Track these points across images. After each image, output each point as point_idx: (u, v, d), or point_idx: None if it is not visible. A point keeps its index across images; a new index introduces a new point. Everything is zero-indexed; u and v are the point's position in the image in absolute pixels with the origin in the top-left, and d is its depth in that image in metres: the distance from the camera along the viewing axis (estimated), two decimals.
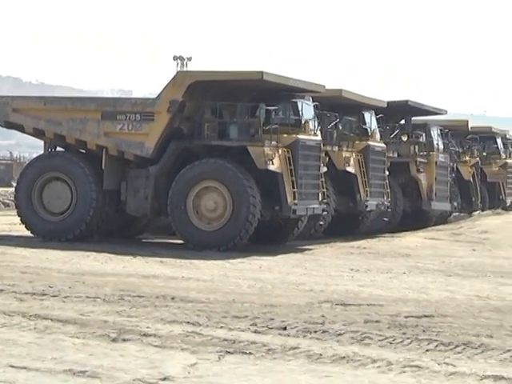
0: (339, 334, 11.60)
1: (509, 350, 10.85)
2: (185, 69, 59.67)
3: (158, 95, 24.73)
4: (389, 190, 30.50)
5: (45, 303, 13.60)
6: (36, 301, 13.78)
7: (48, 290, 14.89)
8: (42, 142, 26.70)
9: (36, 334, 11.17)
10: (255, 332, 11.66)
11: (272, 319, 12.54)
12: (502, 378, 9.40)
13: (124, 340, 10.91)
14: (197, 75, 25.24)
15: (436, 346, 11.06)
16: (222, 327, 11.91)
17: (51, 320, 12.12)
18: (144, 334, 11.25)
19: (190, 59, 70.07)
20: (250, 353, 10.36)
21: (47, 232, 24.78)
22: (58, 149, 26.17)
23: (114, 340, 10.91)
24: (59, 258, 20.28)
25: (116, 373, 9.13)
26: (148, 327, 11.73)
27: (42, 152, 26.82)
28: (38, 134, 26.21)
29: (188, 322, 12.19)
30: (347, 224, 28.60)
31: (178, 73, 27.44)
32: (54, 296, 14.29)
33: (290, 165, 23.91)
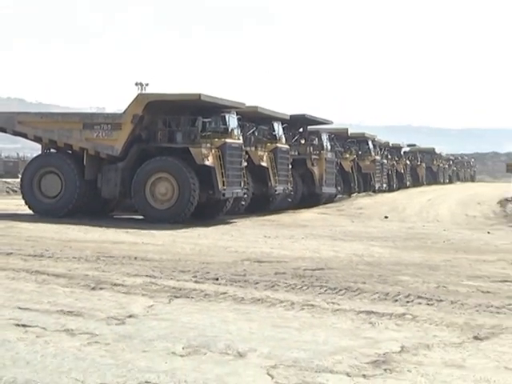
0: (256, 283, 11.64)
1: (377, 293, 10.98)
2: (144, 91, 58.91)
3: (124, 111, 24.62)
4: (291, 179, 30.68)
5: (43, 262, 13.48)
6: (36, 261, 13.66)
7: (45, 252, 14.76)
8: (39, 146, 26.46)
9: (36, 285, 11.09)
10: (195, 282, 11.65)
11: (208, 272, 12.55)
12: (372, 312, 9.52)
13: (100, 288, 10.86)
14: (152, 96, 25.19)
15: (325, 290, 11.14)
16: (171, 279, 11.89)
17: (47, 274, 12.02)
18: (115, 284, 11.21)
19: (147, 85, 69.22)
20: (192, 297, 10.37)
21: (44, 211, 24.61)
22: (52, 150, 25.97)
23: (93, 288, 10.85)
24: (53, 229, 20.10)
25: (95, 312, 9.11)
26: (117, 279, 11.68)
27: (39, 153, 26.60)
28: (37, 139, 25.97)
29: (147, 275, 12.15)
30: (261, 203, 28.66)
31: (138, 94, 27.20)
32: (49, 257, 14.16)
33: (220, 161, 23.95)
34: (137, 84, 71.49)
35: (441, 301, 10.52)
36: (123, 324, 8.56)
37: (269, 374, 6.73)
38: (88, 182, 24.70)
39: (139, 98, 25.22)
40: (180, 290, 10.89)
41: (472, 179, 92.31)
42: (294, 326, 8.70)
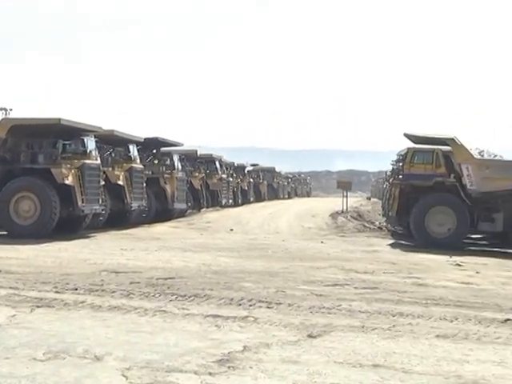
0: (113, 292, 11.53)
1: (223, 298, 11.07)
2: (8, 116, 57.29)
3: None
4: (146, 196, 30.46)
5: None
6: None
7: None
8: None
9: None
10: (56, 292, 11.44)
11: (68, 283, 12.33)
12: (218, 315, 9.60)
13: None
14: (15, 121, 24.53)
15: (176, 297, 11.15)
16: (33, 290, 11.63)
17: None
18: None
19: (11, 110, 67.28)
20: (53, 306, 10.18)
21: None
22: None
23: None
24: None
25: None
26: None
27: None
28: None
29: (10, 287, 11.82)
30: (119, 219, 28.31)
31: (2, 119, 26.45)
32: None
33: (79, 180, 23.59)
34: (1, 109, 69.98)
35: (279, 304, 10.71)
36: None
37: (123, 375, 6.70)
38: None
39: (2, 122, 24.53)
40: (41, 300, 10.66)
41: (308, 195, 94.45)
42: (147, 330, 8.68)
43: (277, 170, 72.86)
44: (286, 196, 74.18)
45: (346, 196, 38.05)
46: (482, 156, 24.34)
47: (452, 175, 24.07)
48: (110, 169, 27.52)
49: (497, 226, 23.56)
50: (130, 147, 29.84)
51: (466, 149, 23.78)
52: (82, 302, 10.48)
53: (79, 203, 23.43)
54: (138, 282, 12.66)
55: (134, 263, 16.02)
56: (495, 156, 25.23)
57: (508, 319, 10.05)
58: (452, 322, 9.80)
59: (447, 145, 24.14)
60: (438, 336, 8.81)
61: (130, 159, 29.51)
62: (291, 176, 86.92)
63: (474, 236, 25.68)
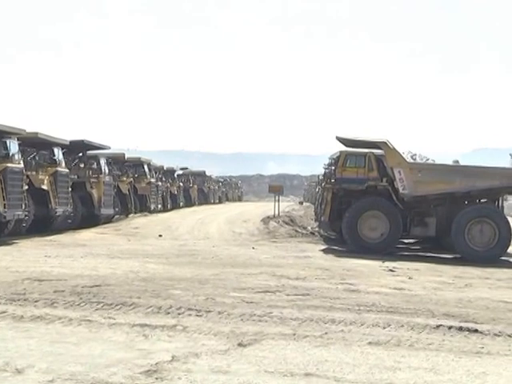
0: (36, 301, 11.31)
1: (151, 306, 10.96)
2: None
3: None
4: (71, 201, 30.09)
5: None
6: None
7: None
8: None
9: None
10: None
11: None
12: (146, 325, 9.51)
13: None
14: None
15: (102, 305, 11.00)
16: None
17: None
18: None
19: None
20: None
21: None
22: None
23: None
24: None
25: None
26: None
27: None
28: None
29: None
30: (43, 225, 27.91)
31: None
32: None
33: (1, 184, 23.18)
34: None
35: (209, 312, 10.67)
36: None
37: None
38: None
39: None
40: None
41: (239, 199, 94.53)
42: (71, 340, 8.54)
43: (207, 173, 72.73)
44: (217, 200, 74.14)
45: (278, 200, 38.18)
46: (415, 160, 24.68)
47: (384, 179, 24.36)
48: (34, 173, 27.11)
49: (429, 231, 23.94)
50: (55, 150, 29.44)
51: (399, 152, 24.10)
52: (3, 313, 10.24)
53: (1, 209, 23.02)
54: (63, 291, 12.44)
55: (58, 271, 15.75)
56: (427, 160, 25.60)
57: (440, 325, 10.19)
58: (384, 328, 9.89)
59: (380, 148, 24.43)
60: (370, 343, 8.88)
61: (54, 163, 29.10)
62: (222, 180, 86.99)
63: (406, 241, 26.05)
